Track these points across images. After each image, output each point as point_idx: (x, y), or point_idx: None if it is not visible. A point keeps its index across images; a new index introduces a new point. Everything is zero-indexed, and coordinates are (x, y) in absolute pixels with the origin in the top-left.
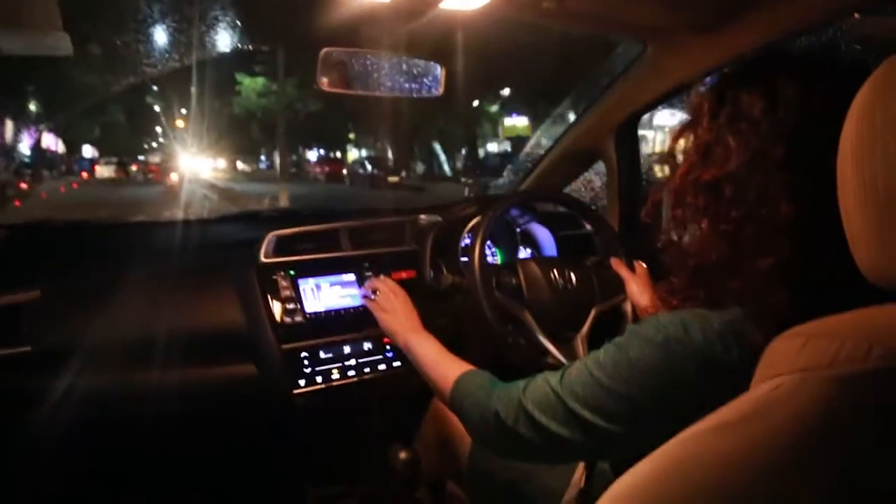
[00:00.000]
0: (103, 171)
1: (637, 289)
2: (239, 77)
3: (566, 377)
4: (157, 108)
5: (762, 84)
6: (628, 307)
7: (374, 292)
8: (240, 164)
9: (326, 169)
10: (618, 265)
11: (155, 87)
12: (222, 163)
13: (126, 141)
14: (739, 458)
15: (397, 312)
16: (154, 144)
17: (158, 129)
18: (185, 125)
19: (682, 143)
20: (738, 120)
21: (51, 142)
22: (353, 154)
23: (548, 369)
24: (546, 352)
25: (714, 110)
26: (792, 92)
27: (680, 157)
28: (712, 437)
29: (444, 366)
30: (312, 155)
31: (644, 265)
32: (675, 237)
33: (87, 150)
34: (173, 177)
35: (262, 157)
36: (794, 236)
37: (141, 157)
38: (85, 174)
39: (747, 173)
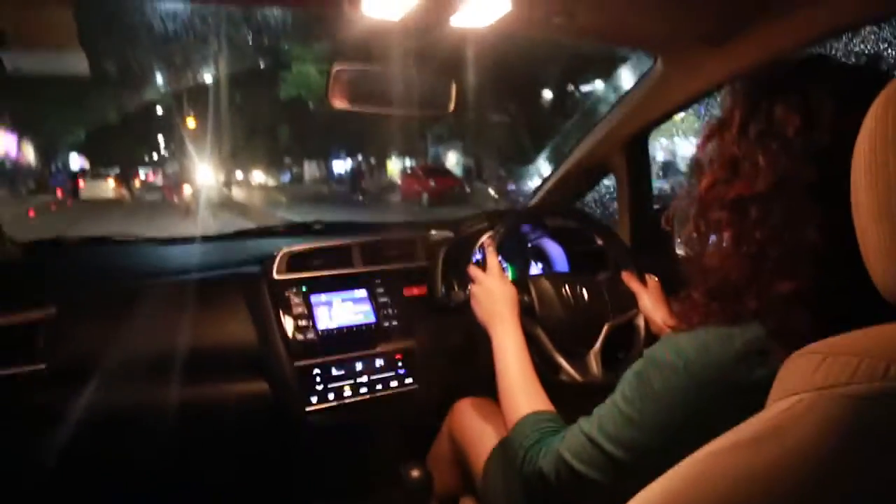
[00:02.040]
0: (93, 188)
1: (650, 303)
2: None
3: (599, 420)
4: (159, 110)
5: (800, 97)
6: (641, 322)
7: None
8: (258, 177)
9: (432, 184)
10: (629, 279)
11: (159, 82)
12: (240, 174)
13: (123, 148)
14: (756, 478)
15: (486, 304)
16: (157, 155)
17: (160, 137)
18: (197, 128)
19: (709, 148)
20: (769, 136)
21: (9, 145)
22: (394, 164)
23: (561, 386)
24: (559, 369)
25: (745, 120)
26: (830, 110)
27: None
28: (728, 456)
29: (514, 395)
30: (340, 165)
31: (656, 279)
32: (696, 249)
33: (76, 161)
34: (186, 191)
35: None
36: (817, 263)
37: (143, 170)
38: (60, 192)
39: (774, 195)
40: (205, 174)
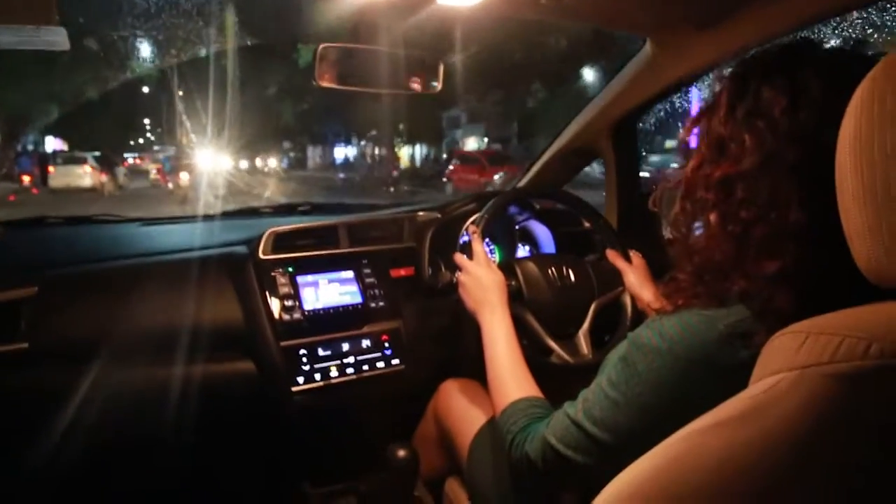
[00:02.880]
0: (64, 174)
1: (636, 280)
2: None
3: (584, 403)
4: (145, 88)
5: (787, 79)
6: (627, 299)
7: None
8: (264, 162)
9: (498, 176)
10: (614, 257)
11: (147, 53)
12: (244, 163)
13: (105, 129)
14: (738, 456)
15: (474, 291)
16: (146, 137)
17: (149, 119)
18: (188, 109)
19: (697, 130)
20: (756, 116)
21: None
22: (403, 151)
23: (552, 368)
24: (550, 351)
25: (733, 102)
26: (816, 92)
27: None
28: (710, 435)
29: (502, 382)
30: (341, 151)
31: (641, 256)
32: (682, 230)
33: (52, 143)
34: (183, 178)
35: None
36: (801, 242)
37: (128, 155)
38: (25, 179)
39: (760, 174)
40: (205, 159)
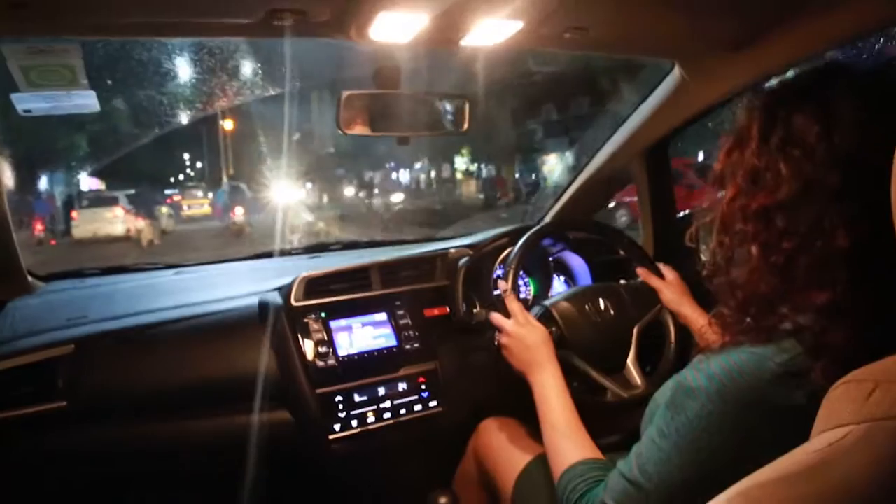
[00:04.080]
0: (90, 220)
1: (673, 296)
2: None
3: (637, 459)
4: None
5: (817, 104)
6: (668, 317)
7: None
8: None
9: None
10: (646, 275)
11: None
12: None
13: (144, 166)
14: None
15: (519, 353)
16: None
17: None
18: (234, 130)
19: (729, 162)
20: (790, 145)
21: None
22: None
23: (604, 406)
24: (603, 388)
25: (765, 132)
26: (849, 113)
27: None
28: (771, 491)
29: (559, 443)
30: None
31: (673, 271)
32: (722, 265)
33: (87, 183)
34: (238, 214)
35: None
36: (851, 269)
37: (170, 192)
38: (38, 227)
39: (800, 202)
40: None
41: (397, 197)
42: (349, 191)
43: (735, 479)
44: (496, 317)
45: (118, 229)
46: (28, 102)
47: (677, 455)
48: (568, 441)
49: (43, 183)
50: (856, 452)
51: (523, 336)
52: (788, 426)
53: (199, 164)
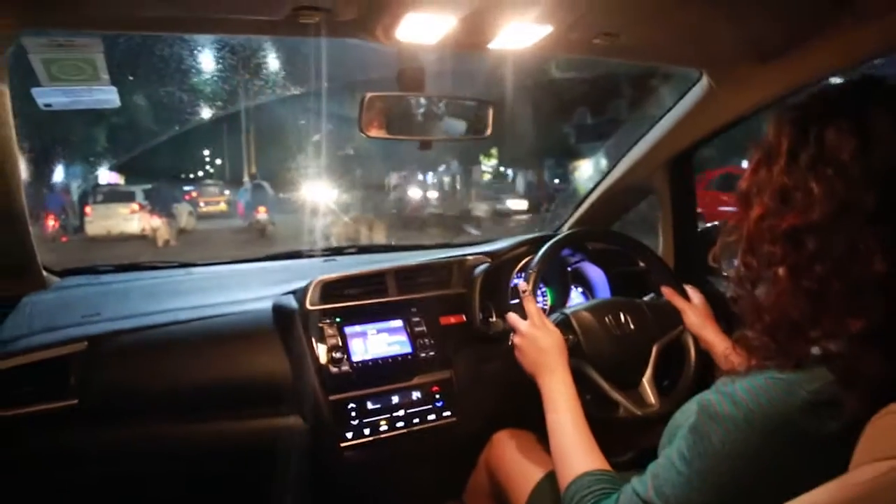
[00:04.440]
0: (104, 216)
1: (697, 319)
2: None
3: (653, 480)
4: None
5: (852, 120)
6: (689, 339)
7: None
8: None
9: None
10: (672, 296)
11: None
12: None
13: (165, 158)
14: None
15: (530, 354)
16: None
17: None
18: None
19: (756, 179)
20: (822, 163)
21: None
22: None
23: (615, 422)
24: (615, 404)
25: (794, 150)
26: (887, 129)
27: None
28: None
29: (567, 452)
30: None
31: (700, 293)
32: (747, 287)
33: (106, 177)
34: (261, 212)
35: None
36: (889, 296)
37: (188, 188)
38: (51, 222)
39: (833, 225)
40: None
41: (430, 198)
42: (372, 192)
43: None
44: (512, 316)
45: (133, 226)
46: (48, 97)
47: (698, 480)
48: (576, 449)
49: (58, 176)
50: None
51: (537, 338)
52: (819, 458)
53: (218, 161)
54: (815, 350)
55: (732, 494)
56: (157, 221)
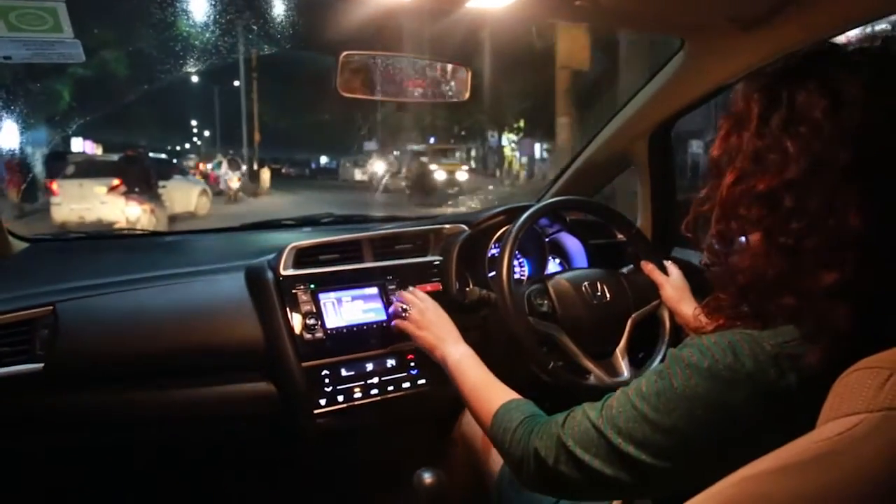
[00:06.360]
0: (73, 196)
1: (674, 293)
2: None
3: (607, 410)
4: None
5: (821, 81)
6: (665, 313)
7: (403, 310)
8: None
9: None
10: (650, 269)
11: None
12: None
13: (143, 124)
14: (809, 502)
15: (432, 327)
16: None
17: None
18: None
19: (727, 146)
20: (795, 123)
21: None
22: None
23: (585, 391)
24: (587, 372)
25: (765, 114)
26: (856, 89)
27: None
28: (775, 479)
29: (485, 391)
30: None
31: (678, 268)
32: (721, 252)
33: (79, 145)
34: (233, 180)
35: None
36: (862, 249)
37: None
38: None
39: (810, 181)
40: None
41: (461, 175)
42: (381, 166)
43: (709, 458)
44: (404, 293)
45: (116, 214)
46: (8, 49)
47: (653, 419)
48: (490, 390)
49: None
50: (869, 441)
51: (428, 309)
52: (777, 409)
53: (206, 133)
54: (785, 312)
55: (686, 438)
56: (135, 209)
